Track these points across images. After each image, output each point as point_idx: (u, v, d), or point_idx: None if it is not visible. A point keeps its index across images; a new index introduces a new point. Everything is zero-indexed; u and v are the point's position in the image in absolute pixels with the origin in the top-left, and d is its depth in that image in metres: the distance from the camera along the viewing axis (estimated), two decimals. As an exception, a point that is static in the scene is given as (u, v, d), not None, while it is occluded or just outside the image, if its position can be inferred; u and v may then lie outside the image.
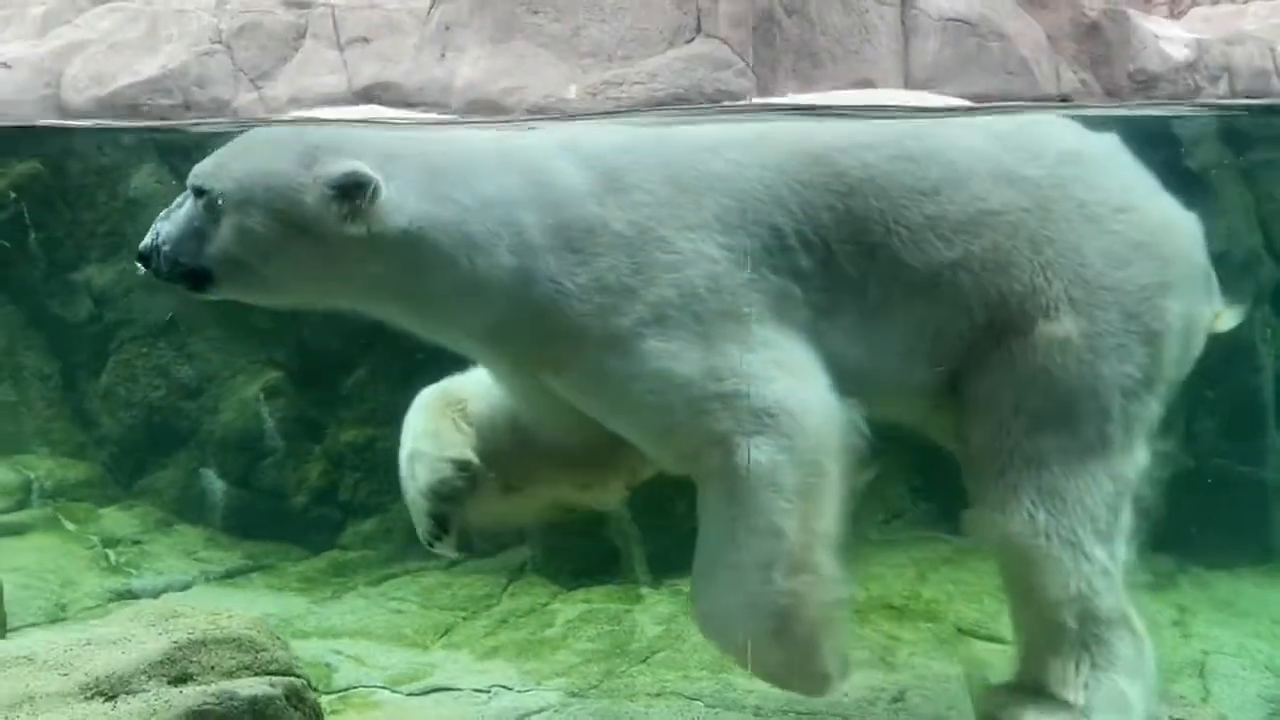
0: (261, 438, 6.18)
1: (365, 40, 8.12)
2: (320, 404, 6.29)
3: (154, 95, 8.05)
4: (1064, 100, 9.27)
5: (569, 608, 5.41)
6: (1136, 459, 3.58)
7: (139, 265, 3.38)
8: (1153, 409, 3.58)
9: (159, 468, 6.40)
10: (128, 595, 5.49)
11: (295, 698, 3.80)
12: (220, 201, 3.23)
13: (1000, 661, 5.13)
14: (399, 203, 3.20)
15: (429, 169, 3.32)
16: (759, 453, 3.29)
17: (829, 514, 3.40)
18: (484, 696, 4.54)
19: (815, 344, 3.45)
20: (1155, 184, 3.71)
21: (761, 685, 4.82)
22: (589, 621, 5.24)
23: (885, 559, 6.05)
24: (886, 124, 4.03)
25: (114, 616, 4.13)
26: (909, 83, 8.73)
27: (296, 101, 7.82)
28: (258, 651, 3.89)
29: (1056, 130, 3.91)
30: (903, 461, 6.59)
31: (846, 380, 3.46)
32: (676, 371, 3.32)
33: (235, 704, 3.60)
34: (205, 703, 3.56)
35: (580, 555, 5.74)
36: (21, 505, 6.14)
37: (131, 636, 3.81)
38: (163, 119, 7.53)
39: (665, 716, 4.42)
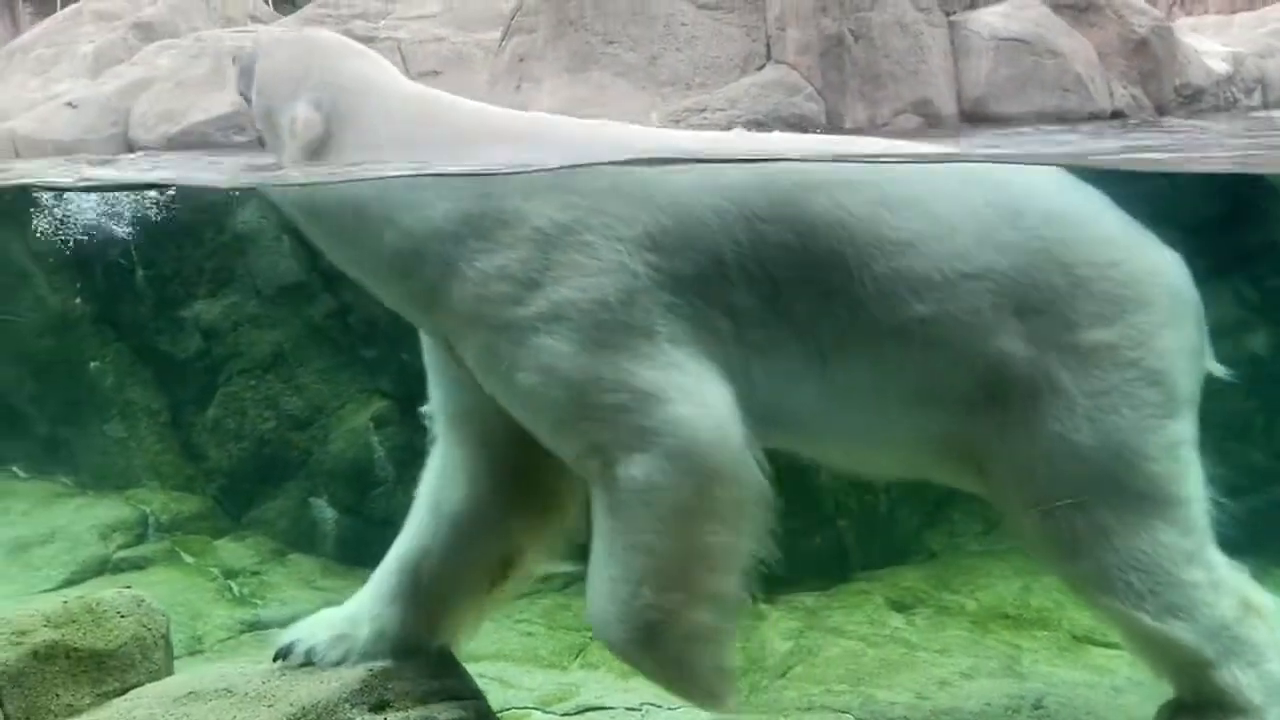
0: (371, 467, 6.23)
1: (435, 73, 8.21)
2: (427, 431, 6.31)
3: (226, 131, 8.11)
4: (1116, 115, 9.43)
5: (694, 626, 5.44)
6: (1191, 479, 3.51)
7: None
8: (1186, 429, 3.51)
9: (269, 499, 6.43)
10: (258, 625, 5.52)
11: (480, 716, 3.86)
12: (248, 78, 3.74)
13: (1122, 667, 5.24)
14: (340, 141, 3.50)
15: (392, 127, 3.52)
16: (636, 469, 3.20)
17: (713, 539, 3.29)
18: (636, 715, 4.58)
19: (740, 379, 3.32)
20: (1138, 229, 3.58)
21: (904, 697, 4.93)
22: (721, 638, 5.29)
23: (990, 569, 6.11)
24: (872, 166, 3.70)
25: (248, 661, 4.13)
26: (962, 100, 8.88)
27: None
28: (444, 678, 3.95)
29: (1039, 188, 3.69)
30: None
31: (794, 422, 3.46)
32: (562, 371, 3.25)
33: (436, 728, 3.67)
34: (409, 729, 3.62)
35: (695, 574, 5.77)
36: (140, 539, 6.17)
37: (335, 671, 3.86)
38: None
39: (818, 729, 4.48)
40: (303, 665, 3.83)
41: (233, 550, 6.24)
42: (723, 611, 3.39)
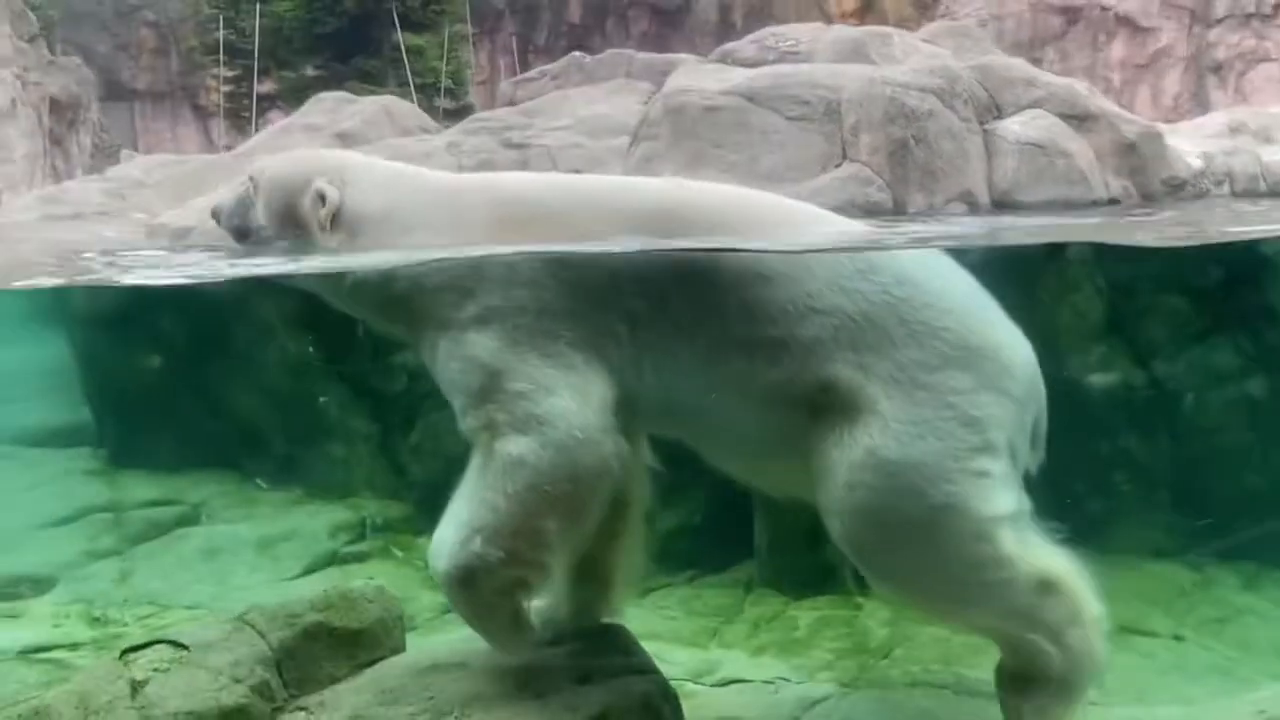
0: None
1: (578, 170, 8.20)
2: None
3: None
4: (1112, 202, 9.20)
5: (805, 614, 5.24)
6: (993, 500, 3.18)
7: (212, 219, 3.73)
8: (996, 468, 3.20)
9: (459, 507, 6.30)
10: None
11: (665, 693, 3.68)
12: (258, 188, 3.57)
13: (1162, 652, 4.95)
14: (356, 210, 3.41)
15: (389, 198, 3.46)
16: (515, 446, 3.14)
17: (550, 522, 3.20)
18: (771, 687, 4.38)
19: (631, 376, 3.25)
20: (993, 315, 3.37)
21: (990, 676, 4.67)
22: (827, 625, 5.08)
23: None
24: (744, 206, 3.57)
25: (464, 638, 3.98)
26: (993, 191, 8.70)
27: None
28: (631, 655, 3.78)
29: (902, 257, 3.52)
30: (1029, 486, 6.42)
31: (677, 412, 3.34)
32: (481, 361, 3.21)
33: (631, 699, 3.48)
34: (611, 699, 3.45)
35: (802, 571, 5.59)
36: (360, 538, 6.09)
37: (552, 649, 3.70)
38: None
39: (925, 702, 4.24)
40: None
41: (431, 546, 6.15)
42: (535, 578, 3.32)
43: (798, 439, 3.29)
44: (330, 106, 11.75)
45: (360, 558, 5.93)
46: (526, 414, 3.14)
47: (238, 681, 3.45)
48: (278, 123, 12.01)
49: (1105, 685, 4.51)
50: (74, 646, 4.43)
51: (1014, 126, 8.54)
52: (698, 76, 8.23)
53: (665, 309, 3.24)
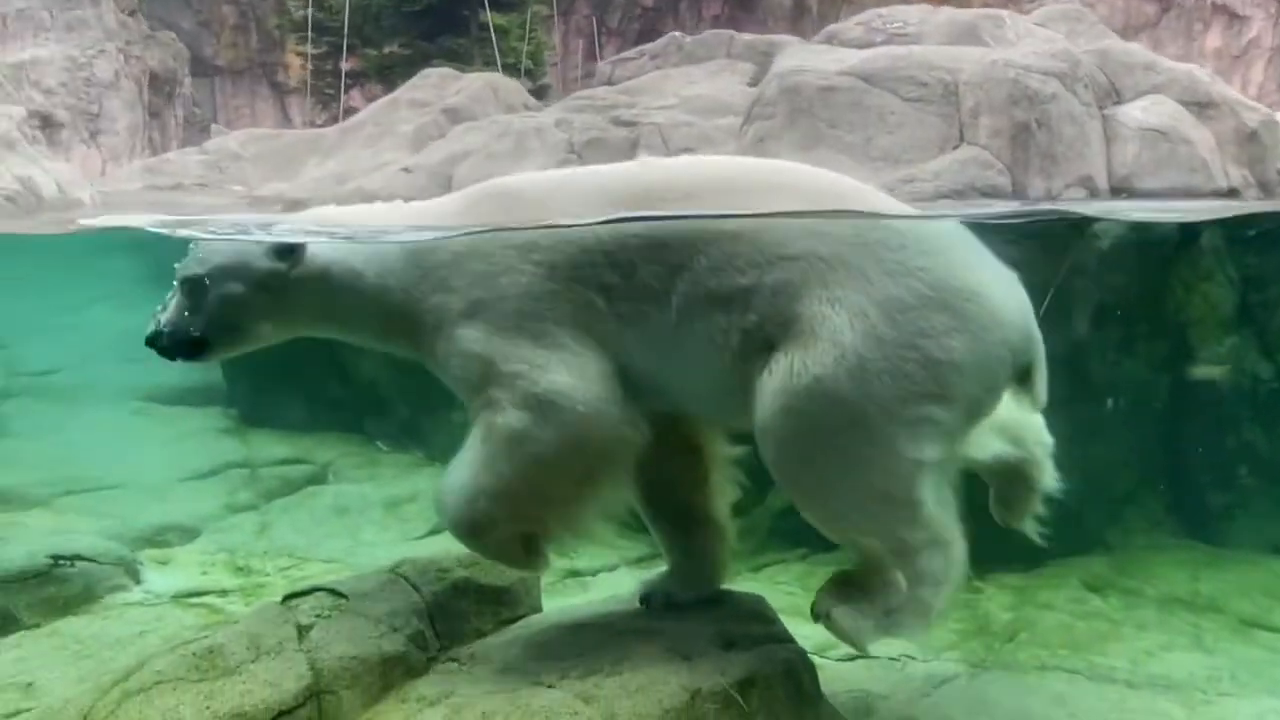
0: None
1: (690, 149, 8.22)
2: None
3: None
4: (1231, 191, 8.94)
5: (925, 595, 5.22)
6: (928, 449, 3.23)
7: (149, 347, 3.60)
8: (942, 417, 3.23)
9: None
10: (574, 574, 5.48)
11: (805, 662, 3.72)
12: (207, 281, 3.52)
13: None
14: (315, 250, 3.51)
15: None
16: (514, 419, 3.27)
17: (552, 490, 3.36)
18: (897, 664, 4.39)
19: (616, 349, 3.34)
20: (982, 259, 3.35)
21: (1120, 663, 4.62)
22: (948, 606, 5.05)
23: (1160, 560, 5.76)
24: (715, 175, 3.57)
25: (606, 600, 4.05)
26: (1112, 177, 8.51)
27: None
28: (770, 624, 3.83)
29: (887, 200, 3.53)
30: (1152, 478, 6.32)
31: (650, 379, 3.37)
32: (476, 352, 3.34)
33: (775, 666, 3.53)
34: (756, 665, 3.49)
35: (920, 552, 5.57)
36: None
37: (686, 614, 3.76)
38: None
39: (1059, 686, 4.21)
40: (666, 607, 3.77)
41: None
42: (543, 532, 3.48)
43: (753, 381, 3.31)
44: (435, 82, 11.91)
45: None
46: (526, 393, 3.27)
47: (395, 630, 3.58)
48: (384, 98, 12.19)
49: (1234, 678, 4.47)
50: (223, 593, 4.60)
51: (1135, 112, 8.33)
52: (809, 57, 8.18)
53: (635, 277, 3.31)
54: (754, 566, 5.76)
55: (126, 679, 3.31)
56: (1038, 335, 3.44)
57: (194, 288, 3.52)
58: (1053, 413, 3.68)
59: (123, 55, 25.62)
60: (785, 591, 5.14)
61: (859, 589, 3.48)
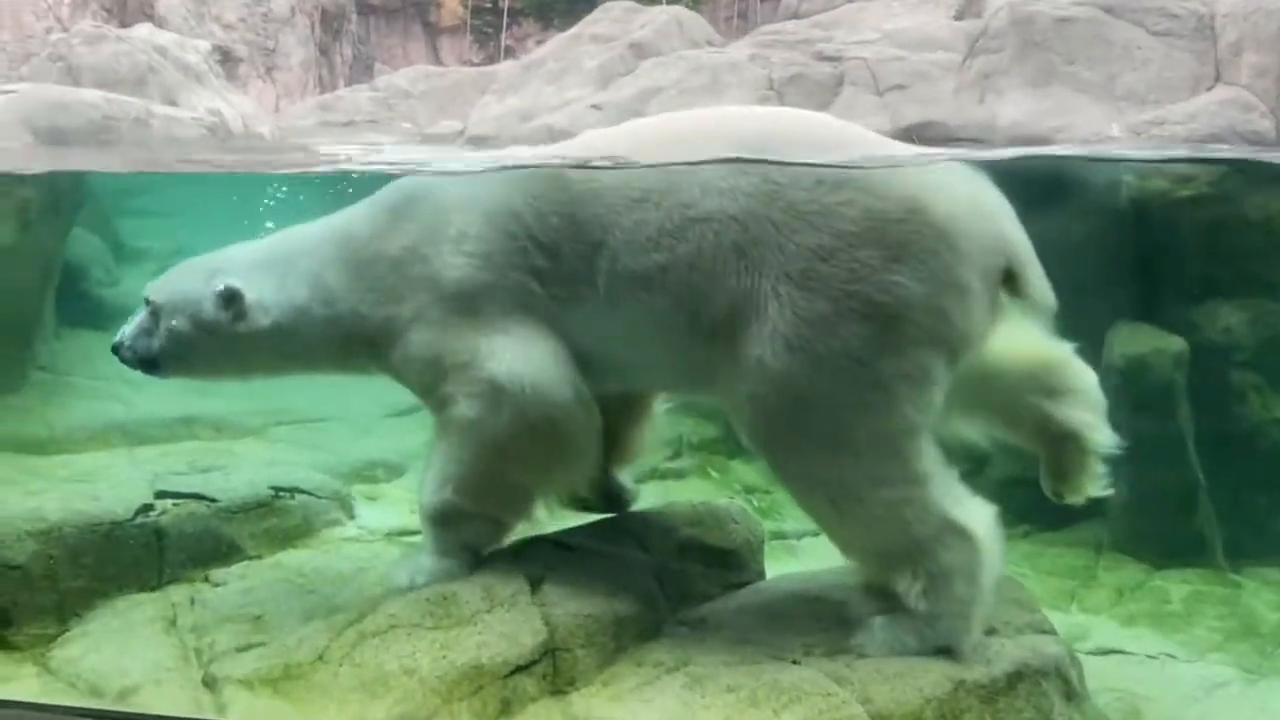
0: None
1: (902, 87, 7.79)
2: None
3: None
4: None
5: (1174, 586, 4.81)
6: (904, 409, 3.00)
7: (114, 355, 3.73)
8: (910, 364, 2.99)
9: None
10: (780, 536, 5.29)
11: (1072, 657, 3.43)
12: (160, 311, 3.63)
13: None
14: (259, 299, 3.57)
15: (276, 269, 3.62)
16: (469, 410, 3.36)
17: (529, 471, 3.44)
18: (1157, 663, 4.03)
19: (557, 330, 3.37)
20: (923, 171, 3.18)
21: None
22: (1203, 601, 4.64)
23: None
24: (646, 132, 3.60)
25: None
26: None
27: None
28: (1031, 611, 3.55)
29: (787, 137, 3.30)
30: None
31: (597, 360, 3.39)
32: (425, 353, 3.43)
33: (1045, 660, 3.27)
34: (1024, 657, 3.23)
35: (1166, 538, 5.16)
36: (677, 455, 6.10)
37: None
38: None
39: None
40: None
41: (742, 470, 6.07)
42: (505, 519, 3.54)
43: (700, 363, 3.25)
44: (618, 16, 11.65)
45: (679, 474, 5.92)
46: (473, 381, 3.36)
47: (625, 589, 3.46)
48: (565, 32, 12.05)
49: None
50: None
51: None
52: (1036, -14, 7.57)
53: (562, 260, 3.34)
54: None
55: (360, 620, 3.30)
56: (1014, 233, 3.14)
57: (153, 310, 3.67)
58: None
59: (297, -10, 26.50)
60: (1016, 571, 4.78)
61: (892, 595, 3.16)
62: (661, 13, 11.77)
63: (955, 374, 3.13)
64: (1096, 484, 3.62)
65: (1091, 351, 5.54)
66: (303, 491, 4.51)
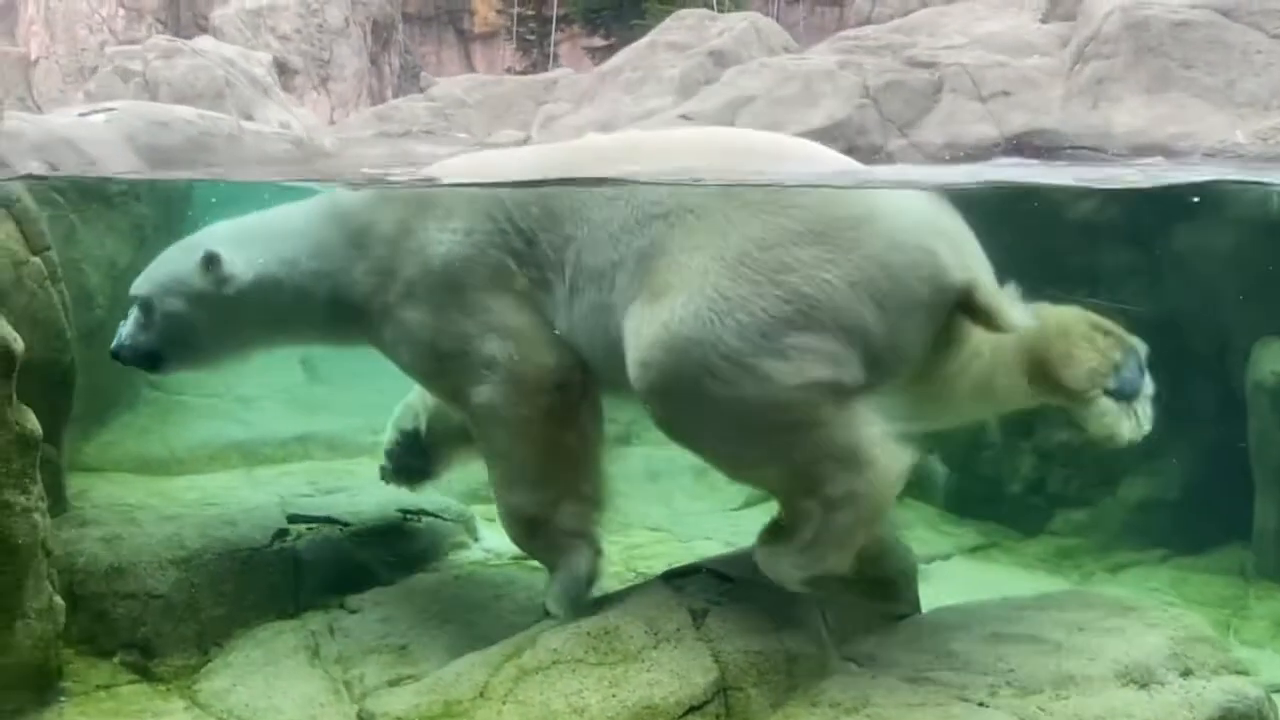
0: (984, 431, 5.72)
1: (1006, 93, 7.60)
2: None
3: (823, 141, 7.79)
4: None
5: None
6: (812, 374, 3.06)
7: (114, 360, 3.79)
8: (822, 345, 3.08)
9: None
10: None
11: (1269, 699, 3.23)
12: (151, 301, 3.70)
13: None
14: (241, 258, 3.66)
15: (259, 235, 3.76)
16: (479, 396, 3.47)
17: (552, 437, 3.51)
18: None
19: (534, 309, 3.48)
20: (896, 198, 3.31)
21: None
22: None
23: None
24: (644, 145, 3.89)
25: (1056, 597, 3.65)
26: None
27: (951, 146, 7.42)
28: (1223, 649, 3.36)
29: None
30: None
31: (569, 341, 3.48)
32: (418, 335, 3.54)
33: (1247, 703, 3.08)
34: (1227, 702, 3.05)
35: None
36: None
37: (1123, 628, 3.33)
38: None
39: None
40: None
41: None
42: (583, 510, 3.58)
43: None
44: (692, 24, 11.54)
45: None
46: (470, 367, 3.48)
47: (791, 623, 3.32)
48: (641, 40, 11.95)
49: None
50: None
51: None
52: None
53: (537, 246, 3.46)
54: (1109, 566, 5.24)
55: (519, 655, 3.20)
56: (968, 263, 3.19)
57: (144, 305, 3.74)
58: None
59: (350, 1, 26.66)
60: (1163, 600, 4.59)
61: (783, 530, 3.31)
62: (739, 19, 11.66)
63: (885, 388, 3.23)
64: (1114, 422, 3.45)
65: (1236, 366, 5.41)
66: (428, 513, 4.43)
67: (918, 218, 3.21)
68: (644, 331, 3.18)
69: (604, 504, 3.65)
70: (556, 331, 3.48)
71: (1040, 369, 3.45)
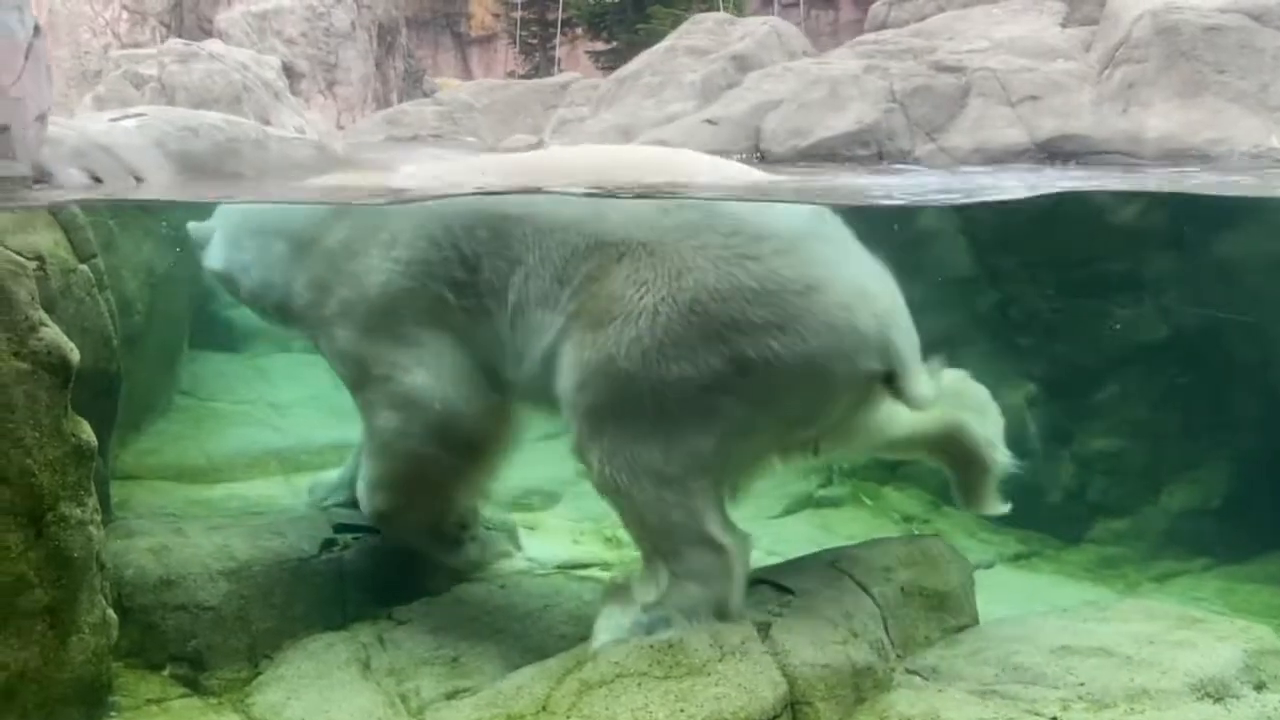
0: (1024, 440, 5.66)
1: (1035, 98, 7.54)
2: (1071, 414, 5.72)
3: (851, 145, 7.75)
4: None
5: (1388, 627, 4.51)
6: (710, 443, 3.23)
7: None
8: (741, 414, 3.22)
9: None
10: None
11: (1343, 712, 3.16)
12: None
13: None
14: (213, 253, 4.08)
15: (239, 232, 4.03)
16: (385, 420, 3.64)
17: (430, 476, 3.69)
18: None
19: (466, 343, 3.55)
20: (840, 259, 3.31)
21: None
22: None
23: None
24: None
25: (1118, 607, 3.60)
26: None
27: (980, 151, 7.36)
28: (1289, 663, 3.29)
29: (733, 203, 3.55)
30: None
31: (502, 373, 3.54)
32: (350, 354, 3.68)
33: (1326, 717, 3.01)
34: (1309, 714, 2.98)
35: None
36: (829, 482, 5.88)
37: (1193, 640, 3.28)
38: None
39: None
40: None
41: (895, 497, 5.83)
42: (437, 515, 3.88)
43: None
44: (710, 28, 11.49)
45: (835, 503, 5.69)
46: (392, 395, 3.60)
47: (856, 636, 3.28)
48: (659, 45, 11.88)
49: None
50: (606, 566, 4.46)
51: None
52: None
53: (480, 273, 3.48)
54: (1155, 576, 5.17)
55: (580, 668, 3.15)
56: (900, 339, 3.25)
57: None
58: None
59: (356, 4, 26.57)
60: (1212, 610, 4.52)
61: (631, 589, 3.39)
62: (759, 23, 11.60)
63: (785, 441, 3.49)
64: (997, 502, 3.80)
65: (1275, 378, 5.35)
66: (472, 524, 4.35)
67: (859, 293, 3.25)
68: (586, 355, 3.25)
69: (480, 503, 4.01)
70: (488, 359, 3.56)
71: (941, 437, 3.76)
